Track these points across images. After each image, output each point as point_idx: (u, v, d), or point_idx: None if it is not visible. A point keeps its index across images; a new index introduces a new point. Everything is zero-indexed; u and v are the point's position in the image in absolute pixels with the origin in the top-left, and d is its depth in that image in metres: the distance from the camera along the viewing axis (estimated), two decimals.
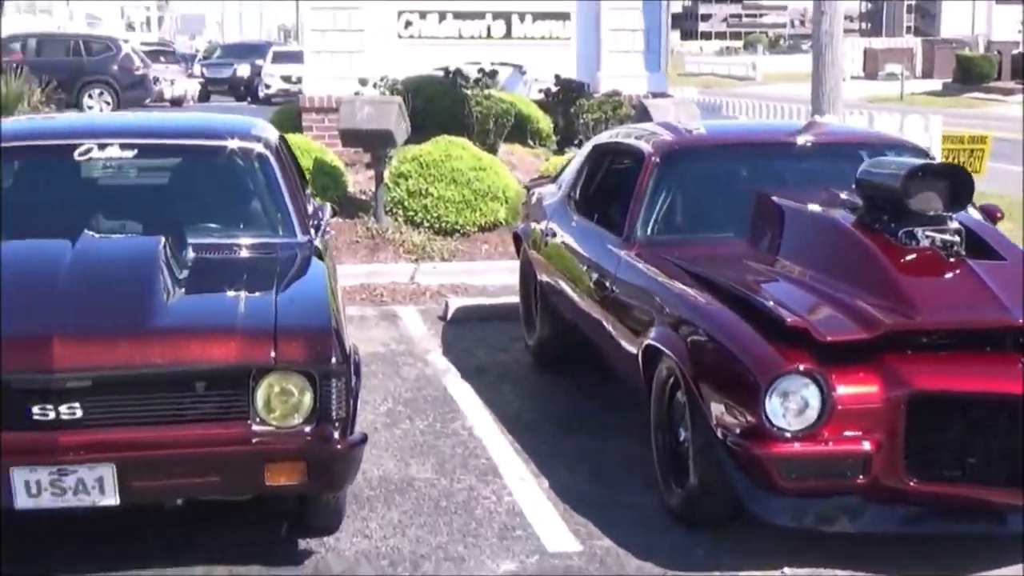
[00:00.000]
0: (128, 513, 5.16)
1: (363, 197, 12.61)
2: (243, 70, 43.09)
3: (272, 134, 7.24)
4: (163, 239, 5.76)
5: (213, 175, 6.82)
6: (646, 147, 7.32)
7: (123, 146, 6.66)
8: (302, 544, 5.55)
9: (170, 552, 5.38)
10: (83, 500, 4.90)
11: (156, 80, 36.30)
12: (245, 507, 5.57)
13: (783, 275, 6.21)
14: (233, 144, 6.78)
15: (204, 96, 41.34)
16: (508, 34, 15.89)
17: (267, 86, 39.49)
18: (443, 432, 7.20)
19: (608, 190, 7.72)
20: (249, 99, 40.85)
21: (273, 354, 4.97)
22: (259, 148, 6.77)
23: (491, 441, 7.03)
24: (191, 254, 5.97)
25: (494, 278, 11.17)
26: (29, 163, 6.81)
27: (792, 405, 5.16)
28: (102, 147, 6.63)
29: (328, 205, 7.05)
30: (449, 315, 10.05)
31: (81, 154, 6.60)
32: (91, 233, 5.87)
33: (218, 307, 5.40)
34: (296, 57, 40.29)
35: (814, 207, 6.51)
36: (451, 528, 5.80)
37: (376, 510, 5.98)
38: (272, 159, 6.76)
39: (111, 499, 4.92)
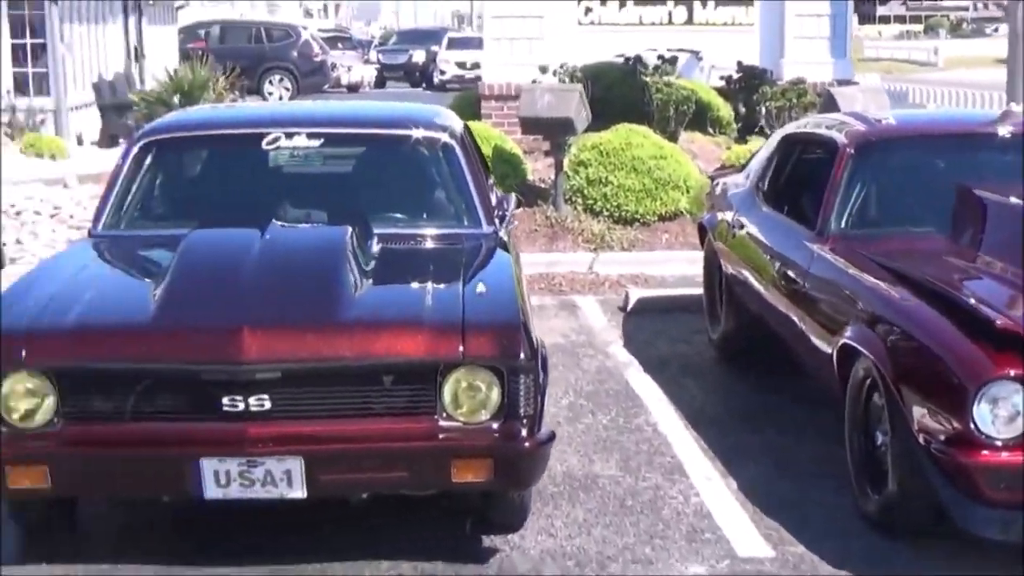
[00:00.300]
0: (313, 506, 5.14)
1: (542, 185, 12.51)
2: (418, 56, 43.35)
3: (457, 123, 7.18)
4: (350, 229, 5.73)
5: (398, 164, 6.78)
6: (839, 138, 7.07)
7: (310, 135, 6.66)
8: (486, 541, 5.46)
9: (356, 546, 5.34)
10: (271, 492, 4.89)
11: (334, 66, 36.78)
12: (428, 502, 5.52)
13: (987, 272, 5.94)
14: (418, 133, 6.73)
15: (380, 82, 41.73)
16: (689, 20, 15.66)
17: (442, 72, 39.70)
18: (626, 427, 7.06)
19: (799, 182, 7.48)
20: (424, 85, 41.12)
21: (461, 349, 4.89)
22: (444, 137, 6.72)
23: (676, 437, 6.87)
24: (377, 245, 5.93)
25: (674, 268, 10.99)
26: (218, 151, 6.86)
27: (1002, 412, 4.90)
28: (289, 136, 6.64)
29: (513, 195, 6.96)
30: (629, 306, 9.89)
31: (269, 143, 6.61)
32: (279, 223, 5.87)
33: (406, 300, 5.34)
34: (471, 43, 40.60)
35: (1018, 201, 6.21)
36: (638, 529, 5.66)
37: (560, 508, 5.86)
38: (457, 148, 6.70)
39: (298, 492, 4.89)
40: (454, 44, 40.82)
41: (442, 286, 5.43)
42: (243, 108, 10.90)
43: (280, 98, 31.93)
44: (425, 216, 6.54)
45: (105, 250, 6.12)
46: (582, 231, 11.70)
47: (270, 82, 32.35)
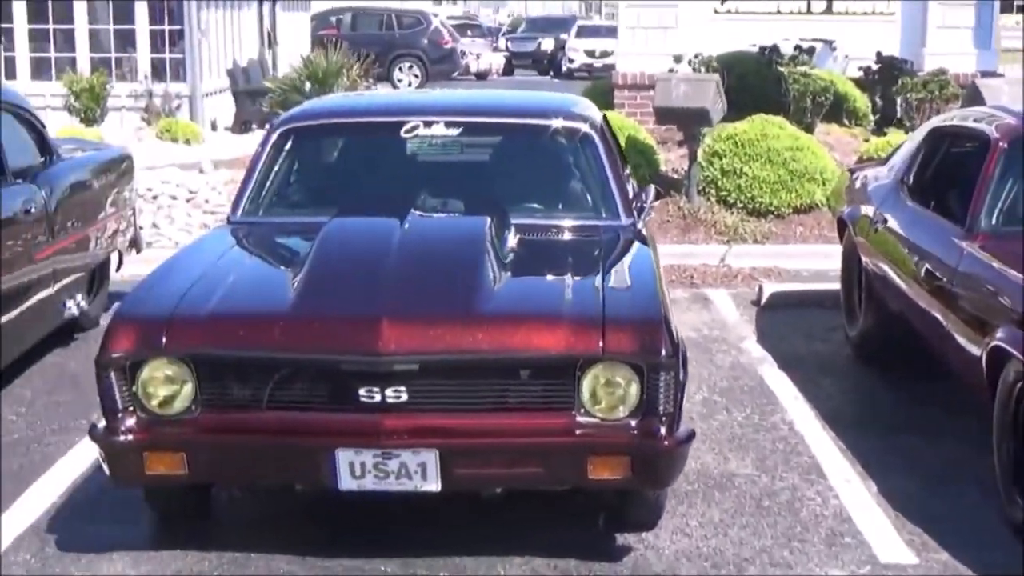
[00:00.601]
0: (446, 499, 5.09)
1: (675, 176, 12.37)
2: (547, 44, 43.26)
3: (596, 113, 7.10)
4: (489, 220, 5.68)
5: (537, 154, 6.71)
6: (991, 131, 6.83)
7: (448, 124, 6.61)
8: (619, 539, 5.37)
9: (489, 541, 5.28)
10: (405, 485, 4.84)
11: (463, 54, 36.85)
12: (560, 498, 5.45)
13: None
14: (558, 123, 6.66)
15: (508, 70, 41.70)
16: (828, 9, 15.40)
17: (570, 60, 39.55)
18: (761, 425, 6.92)
19: (947, 176, 7.26)
20: (552, 73, 41.02)
21: (601, 344, 4.79)
22: (585, 128, 6.63)
23: (812, 437, 6.72)
24: (514, 235, 5.87)
25: (809, 262, 10.80)
26: (356, 139, 6.85)
27: None
28: (428, 124, 6.59)
29: (652, 187, 6.84)
30: (763, 300, 9.72)
31: (407, 131, 6.58)
32: (418, 212, 5.84)
33: (545, 293, 5.28)
34: (600, 32, 40.48)
35: None
36: (775, 531, 5.52)
37: (695, 506, 5.75)
38: (597, 139, 6.61)
39: (433, 485, 4.84)
40: (583, 32, 40.66)
41: (581, 279, 5.35)
42: (381, 96, 10.90)
43: (409, 85, 32.08)
44: (563, 207, 6.46)
45: (244, 237, 6.13)
46: (715, 223, 11.55)
47: (400, 69, 32.50)
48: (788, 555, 5.29)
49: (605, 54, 37.92)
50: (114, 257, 9.28)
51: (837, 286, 8.93)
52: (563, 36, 41.94)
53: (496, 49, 44.03)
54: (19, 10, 19.99)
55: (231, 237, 6.14)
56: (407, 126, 6.58)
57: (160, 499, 5.42)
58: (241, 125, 19.70)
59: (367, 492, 4.89)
